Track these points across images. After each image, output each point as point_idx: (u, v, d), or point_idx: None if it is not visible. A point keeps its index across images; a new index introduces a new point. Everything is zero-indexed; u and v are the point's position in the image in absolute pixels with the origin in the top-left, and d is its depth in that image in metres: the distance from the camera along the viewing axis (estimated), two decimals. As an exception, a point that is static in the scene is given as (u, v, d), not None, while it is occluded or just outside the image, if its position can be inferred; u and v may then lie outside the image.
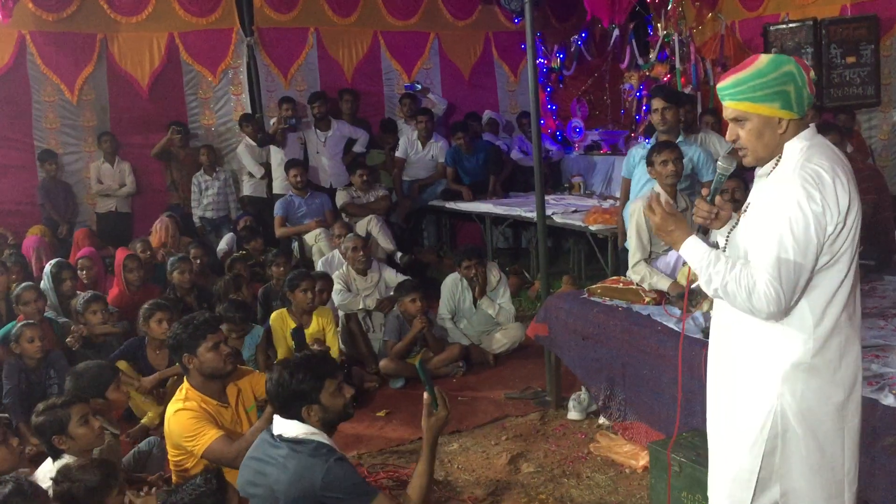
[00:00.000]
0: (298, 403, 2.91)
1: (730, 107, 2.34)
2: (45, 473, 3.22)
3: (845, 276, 2.28)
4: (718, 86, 2.38)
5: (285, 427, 2.92)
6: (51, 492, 3.03)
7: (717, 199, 2.55)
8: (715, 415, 2.54)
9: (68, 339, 5.25)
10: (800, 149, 2.29)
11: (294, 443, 2.87)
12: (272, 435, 2.94)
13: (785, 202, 2.22)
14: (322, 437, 2.91)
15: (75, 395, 3.60)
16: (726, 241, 2.48)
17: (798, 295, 2.25)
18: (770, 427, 2.32)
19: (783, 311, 2.25)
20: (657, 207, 2.47)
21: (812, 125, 2.35)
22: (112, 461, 3.32)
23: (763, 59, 2.30)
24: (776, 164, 2.34)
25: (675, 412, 3.01)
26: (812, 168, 2.23)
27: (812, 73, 2.31)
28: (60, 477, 2.98)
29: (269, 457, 2.86)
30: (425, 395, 2.93)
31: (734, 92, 2.31)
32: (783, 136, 2.31)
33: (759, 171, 2.42)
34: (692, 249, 2.40)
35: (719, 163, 2.59)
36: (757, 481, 2.37)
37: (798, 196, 2.20)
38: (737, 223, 2.46)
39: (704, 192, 2.58)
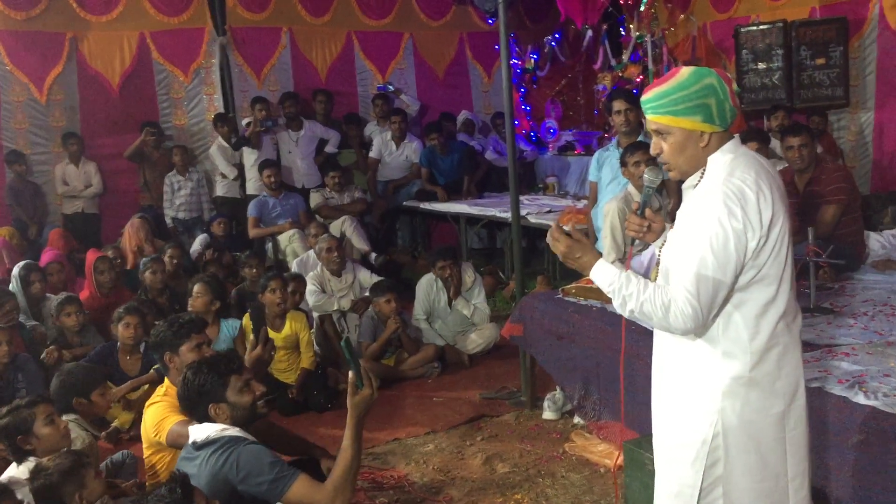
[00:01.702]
0: (205, 402, 2.91)
1: (652, 120, 2.33)
2: (9, 479, 3.18)
3: (778, 288, 2.27)
4: (642, 99, 2.37)
5: (198, 432, 2.90)
6: (20, 494, 3.00)
7: (648, 211, 2.56)
8: (658, 429, 2.54)
9: (44, 357, 5.16)
10: (724, 162, 2.28)
11: (207, 445, 2.83)
12: (188, 448, 2.91)
13: (706, 219, 2.21)
14: (236, 431, 2.88)
15: (41, 395, 3.57)
16: (658, 254, 2.48)
17: (716, 310, 2.24)
18: (711, 441, 2.32)
19: (700, 327, 2.24)
20: (561, 237, 2.43)
21: (736, 136, 2.35)
22: (82, 451, 3.30)
23: (684, 72, 2.29)
24: (701, 177, 2.33)
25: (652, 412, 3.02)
26: (735, 183, 2.22)
27: (735, 86, 2.32)
28: (35, 472, 2.97)
29: (192, 465, 2.83)
30: (350, 374, 2.84)
31: (656, 105, 2.30)
32: (706, 149, 2.30)
33: (685, 184, 2.42)
34: (601, 273, 2.36)
35: (645, 175, 2.59)
36: (699, 496, 2.36)
37: (719, 213, 2.19)
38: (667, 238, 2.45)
39: (634, 205, 2.58)
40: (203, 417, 2.94)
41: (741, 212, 2.19)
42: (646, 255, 4.51)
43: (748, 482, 2.33)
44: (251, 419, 2.99)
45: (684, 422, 2.38)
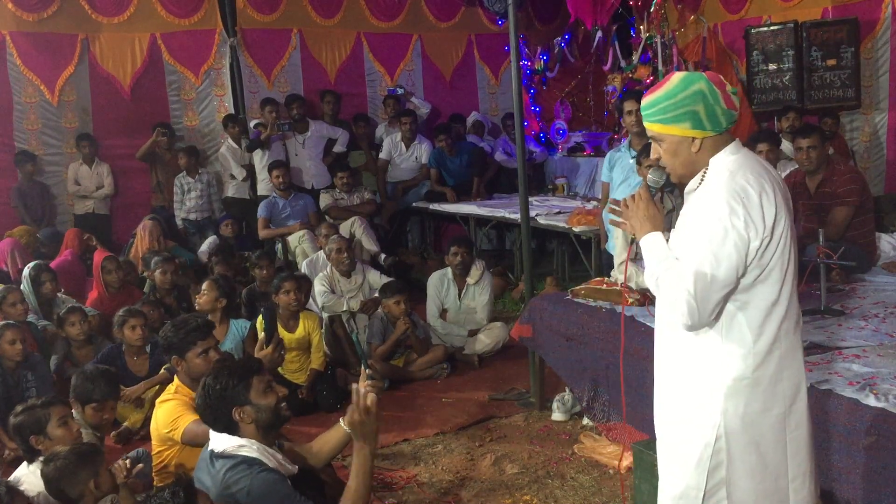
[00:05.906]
0: (228, 407, 2.82)
1: (647, 127, 2.38)
2: (21, 478, 3.20)
3: (781, 289, 2.28)
4: (640, 105, 2.41)
5: (218, 441, 2.86)
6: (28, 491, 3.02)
7: None
8: (661, 431, 2.54)
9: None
10: (726, 163, 2.29)
11: (223, 457, 2.79)
12: (206, 454, 2.89)
13: (707, 217, 2.23)
14: (251, 450, 2.80)
15: (58, 396, 3.58)
16: None
17: (715, 309, 2.24)
18: (714, 443, 2.32)
19: (697, 324, 2.24)
20: (644, 193, 2.46)
21: (737, 139, 2.35)
22: (95, 444, 3.32)
23: (674, 80, 2.30)
24: (702, 179, 2.34)
25: (655, 413, 3.01)
26: (738, 182, 2.23)
27: (729, 87, 2.29)
28: (50, 456, 2.99)
29: (208, 473, 2.82)
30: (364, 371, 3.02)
31: (648, 113, 2.34)
32: (699, 153, 2.31)
33: (687, 188, 2.42)
34: (652, 244, 2.38)
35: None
36: (703, 498, 2.36)
37: (720, 211, 2.20)
38: (668, 240, 2.46)
39: None
40: (227, 424, 2.84)
41: (743, 210, 2.19)
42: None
43: (750, 483, 2.34)
44: (275, 422, 2.90)
45: (688, 423, 2.39)
